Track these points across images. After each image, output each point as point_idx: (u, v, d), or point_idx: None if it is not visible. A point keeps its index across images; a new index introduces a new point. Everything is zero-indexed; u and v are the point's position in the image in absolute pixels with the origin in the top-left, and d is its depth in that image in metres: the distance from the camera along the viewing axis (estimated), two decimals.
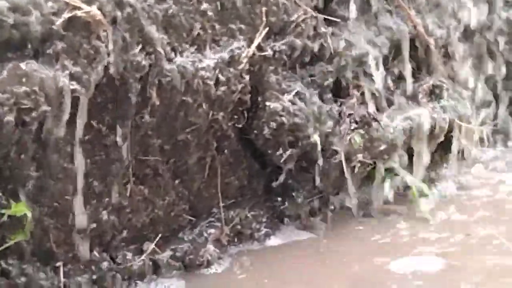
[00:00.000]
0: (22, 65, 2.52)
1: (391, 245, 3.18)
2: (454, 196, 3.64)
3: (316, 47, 3.26)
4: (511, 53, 4.15)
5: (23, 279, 2.64)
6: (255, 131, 3.19)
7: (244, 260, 3.09)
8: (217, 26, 3.04)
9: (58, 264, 2.74)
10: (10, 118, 2.46)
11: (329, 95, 3.33)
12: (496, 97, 4.14)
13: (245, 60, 3.07)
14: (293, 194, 3.34)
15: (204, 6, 3.00)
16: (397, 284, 2.83)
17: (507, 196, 3.62)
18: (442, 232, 3.25)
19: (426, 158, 3.52)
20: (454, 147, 3.61)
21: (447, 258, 2.99)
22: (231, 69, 3.03)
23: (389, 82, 3.51)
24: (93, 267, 2.82)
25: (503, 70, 4.12)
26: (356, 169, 3.29)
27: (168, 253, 3.02)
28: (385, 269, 2.96)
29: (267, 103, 3.15)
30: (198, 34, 2.99)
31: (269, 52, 3.16)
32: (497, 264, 2.92)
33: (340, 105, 3.36)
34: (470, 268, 2.91)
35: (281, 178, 3.27)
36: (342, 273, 2.97)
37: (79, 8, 2.62)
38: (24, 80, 2.50)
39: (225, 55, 3.03)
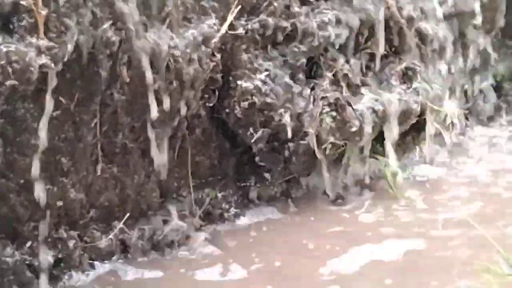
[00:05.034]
0: None
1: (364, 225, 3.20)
2: (427, 180, 3.65)
3: (288, 26, 3.24)
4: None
5: None
6: (227, 110, 3.17)
7: (215, 239, 3.09)
8: (189, 4, 3.02)
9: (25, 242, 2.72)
10: None
11: (302, 76, 3.31)
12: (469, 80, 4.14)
13: (217, 39, 3.04)
14: (264, 174, 3.33)
15: None
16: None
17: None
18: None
19: (394, 138, 3.49)
20: (427, 130, 3.60)
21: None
22: (203, 48, 3.00)
23: (362, 63, 3.50)
24: (59, 245, 2.80)
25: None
26: (328, 151, 3.28)
27: (137, 232, 3.00)
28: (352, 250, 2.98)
29: (239, 82, 3.13)
30: (170, 11, 2.96)
31: (241, 31, 3.14)
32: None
33: (313, 86, 3.34)
34: None
35: (256, 159, 3.27)
36: (312, 251, 2.98)
37: None
38: None
39: (197, 33, 3.00)
